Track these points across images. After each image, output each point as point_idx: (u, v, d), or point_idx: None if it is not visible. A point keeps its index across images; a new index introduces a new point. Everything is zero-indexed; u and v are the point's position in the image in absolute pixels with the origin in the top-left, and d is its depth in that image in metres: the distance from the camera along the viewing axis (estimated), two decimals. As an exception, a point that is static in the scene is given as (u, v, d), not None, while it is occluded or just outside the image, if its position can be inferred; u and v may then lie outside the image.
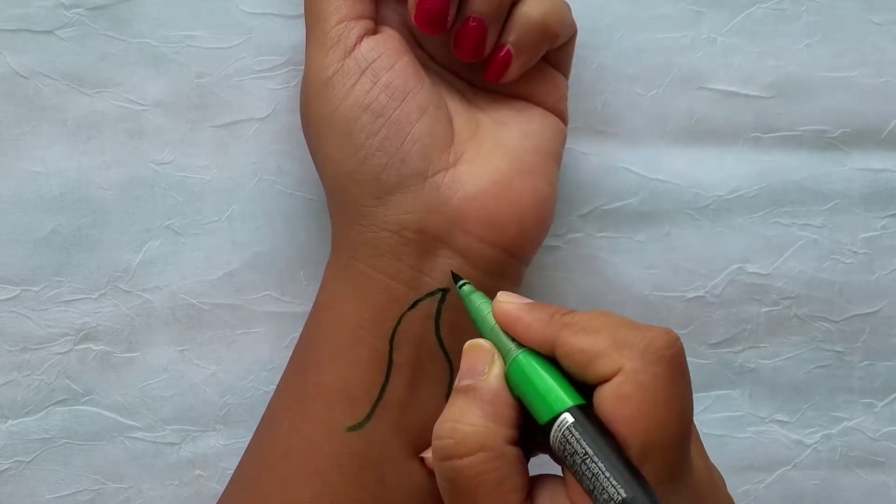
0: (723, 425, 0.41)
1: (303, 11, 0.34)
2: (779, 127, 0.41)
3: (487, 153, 0.34)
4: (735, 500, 0.31)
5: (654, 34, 0.40)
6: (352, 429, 0.32)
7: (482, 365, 0.29)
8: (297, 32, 0.36)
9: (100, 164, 0.37)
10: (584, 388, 0.28)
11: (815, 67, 0.41)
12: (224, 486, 0.36)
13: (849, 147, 0.41)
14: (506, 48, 0.34)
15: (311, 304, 0.35)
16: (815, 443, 0.42)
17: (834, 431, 0.42)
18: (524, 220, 0.34)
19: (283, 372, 0.35)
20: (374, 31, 0.34)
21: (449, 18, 0.33)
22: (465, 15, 0.33)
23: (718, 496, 0.29)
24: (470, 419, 0.28)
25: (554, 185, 0.35)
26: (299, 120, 0.35)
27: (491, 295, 0.31)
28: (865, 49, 0.41)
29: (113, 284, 0.38)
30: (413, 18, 0.33)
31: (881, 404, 0.42)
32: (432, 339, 0.33)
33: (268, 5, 0.38)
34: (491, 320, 0.30)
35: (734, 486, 0.35)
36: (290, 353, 0.35)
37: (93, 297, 0.38)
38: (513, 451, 0.28)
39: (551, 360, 0.29)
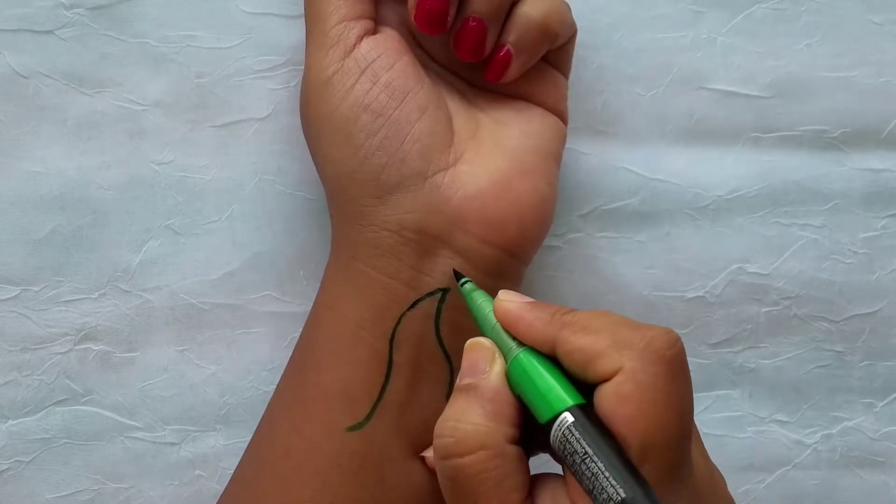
0: (723, 425, 0.41)
1: (303, 11, 0.34)
2: (779, 127, 0.41)
3: (487, 153, 0.34)
4: (735, 500, 0.31)
5: (654, 34, 0.40)
6: (352, 429, 0.32)
7: (483, 363, 0.29)
8: (297, 32, 0.36)
9: (100, 164, 0.37)
10: (584, 387, 0.28)
11: (815, 67, 0.41)
12: (224, 486, 0.36)
13: (849, 147, 0.41)
14: (506, 48, 0.34)
15: (311, 304, 0.35)
16: (815, 443, 0.42)
17: (834, 431, 0.42)
18: (524, 220, 0.34)
19: (283, 372, 0.35)
20: (374, 31, 0.34)
21: (449, 18, 0.33)
22: (465, 15, 0.33)
23: (719, 496, 0.29)
24: (471, 418, 0.28)
25: (554, 185, 0.35)
26: (299, 120, 0.35)
27: (491, 295, 0.31)
28: (865, 49, 0.41)
29: (113, 284, 0.38)
30: (413, 18, 0.33)
31: (881, 404, 0.42)
32: (432, 339, 0.33)
33: (268, 5, 0.38)
34: (492, 319, 0.30)
35: (734, 486, 0.35)
36: (290, 353, 0.35)
37: (93, 297, 0.38)
38: (513, 450, 0.28)
39: (552, 359, 0.28)
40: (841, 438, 0.42)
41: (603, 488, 0.25)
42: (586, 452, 0.26)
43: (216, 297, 0.38)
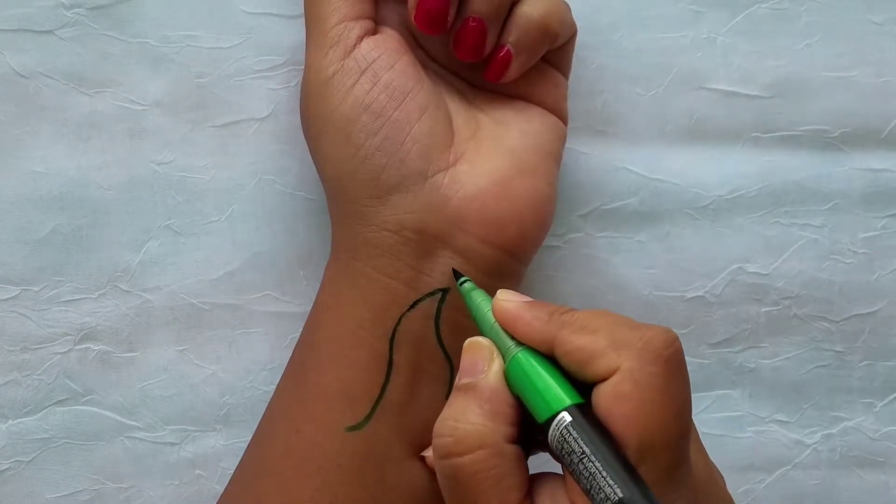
0: (723, 425, 0.41)
1: (303, 11, 0.34)
2: (779, 127, 0.41)
3: (487, 153, 0.34)
4: (735, 500, 0.31)
5: (654, 34, 0.40)
6: (352, 429, 0.32)
7: (482, 363, 0.29)
8: (297, 32, 0.36)
9: (100, 164, 0.37)
10: (582, 386, 0.28)
11: (815, 67, 0.41)
12: (224, 486, 0.36)
13: (849, 147, 0.41)
14: (506, 48, 0.34)
15: (311, 305, 0.35)
16: (815, 443, 0.42)
17: (834, 431, 0.42)
18: (524, 220, 0.34)
19: (283, 372, 0.35)
20: (374, 31, 0.34)
21: (449, 18, 0.33)
22: (465, 15, 0.33)
23: (718, 496, 0.29)
24: (469, 417, 0.28)
25: (554, 185, 0.35)
26: (299, 120, 0.35)
27: (491, 295, 0.31)
28: (865, 49, 0.41)
29: (113, 284, 0.38)
30: (413, 18, 0.33)
31: (881, 404, 0.42)
32: (432, 340, 0.33)
33: (268, 5, 0.38)
34: (491, 318, 0.30)
35: (734, 486, 0.35)
36: (290, 353, 0.35)
37: (93, 297, 0.38)
38: (512, 449, 0.28)
39: (550, 358, 0.28)
40: (841, 438, 0.42)
41: (600, 488, 0.25)
42: (584, 452, 0.26)
43: (216, 297, 0.38)
